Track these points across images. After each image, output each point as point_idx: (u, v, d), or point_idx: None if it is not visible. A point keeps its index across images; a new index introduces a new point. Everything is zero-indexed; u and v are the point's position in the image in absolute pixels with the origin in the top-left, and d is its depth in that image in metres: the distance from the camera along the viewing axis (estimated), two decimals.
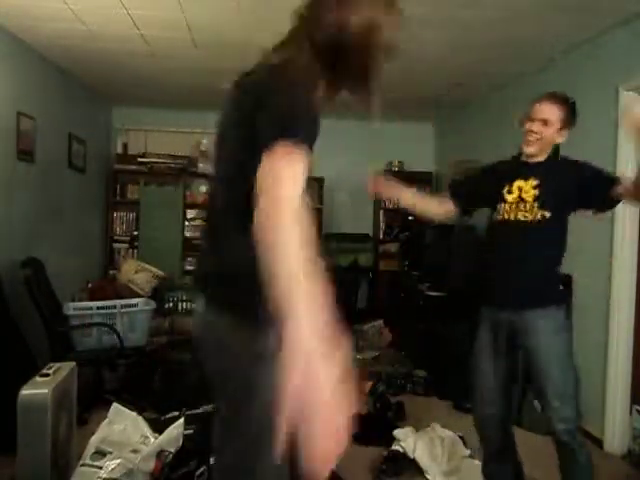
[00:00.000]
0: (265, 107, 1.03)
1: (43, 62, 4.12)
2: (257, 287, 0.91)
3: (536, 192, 2.07)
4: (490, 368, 2.17)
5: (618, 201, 2.05)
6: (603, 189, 2.03)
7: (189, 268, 5.77)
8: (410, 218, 5.12)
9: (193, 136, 5.87)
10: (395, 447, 2.81)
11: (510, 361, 2.20)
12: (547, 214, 2.05)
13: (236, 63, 4.39)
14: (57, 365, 2.33)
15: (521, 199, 2.09)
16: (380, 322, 5.06)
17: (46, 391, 2.09)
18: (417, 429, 2.94)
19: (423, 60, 3.91)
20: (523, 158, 2.19)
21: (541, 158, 2.16)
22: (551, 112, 2.06)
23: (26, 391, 2.09)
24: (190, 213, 5.82)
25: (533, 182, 2.09)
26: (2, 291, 3.19)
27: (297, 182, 0.93)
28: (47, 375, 2.20)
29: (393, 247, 5.84)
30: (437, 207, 2.36)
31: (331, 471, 0.90)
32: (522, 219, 2.07)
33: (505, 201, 2.12)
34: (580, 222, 3.44)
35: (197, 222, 5.82)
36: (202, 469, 2.31)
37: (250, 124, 1.05)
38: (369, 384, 3.91)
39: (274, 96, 1.04)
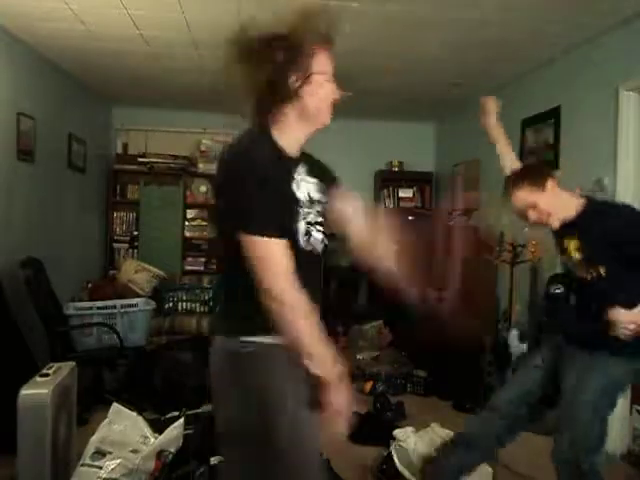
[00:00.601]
0: (221, 197, 1.29)
1: (43, 62, 4.12)
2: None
3: (580, 254, 1.97)
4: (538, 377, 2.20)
5: None
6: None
7: (189, 268, 5.78)
8: (410, 218, 5.12)
9: (193, 136, 5.86)
10: (395, 447, 2.81)
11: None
12: (601, 270, 1.93)
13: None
14: (57, 365, 2.33)
15: (573, 258, 2.02)
16: (380, 322, 5.06)
17: (46, 391, 2.09)
18: (417, 429, 2.93)
19: (423, 60, 3.91)
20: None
21: (571, 212, 2.00)
22: (526, 196, 2.00)
23: (26, 391, 2.09)
24: (190, 213, 5.82)
25: (576, 243, 1.99)
26: (2, 291, 3.19)
27: (275, 266, 1.19)
28: (47, 375, 2.20)
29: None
30: (511, 161, 2.39)
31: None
32: (582, 276, 2.01)
33: (565, 254, 2.07)
34: None
35: (197, 222, 5.82)
36: (202, 469, 2.31)
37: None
38: (369, 384, 3.92)
39: (225, 187, 1.27)
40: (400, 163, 5.95)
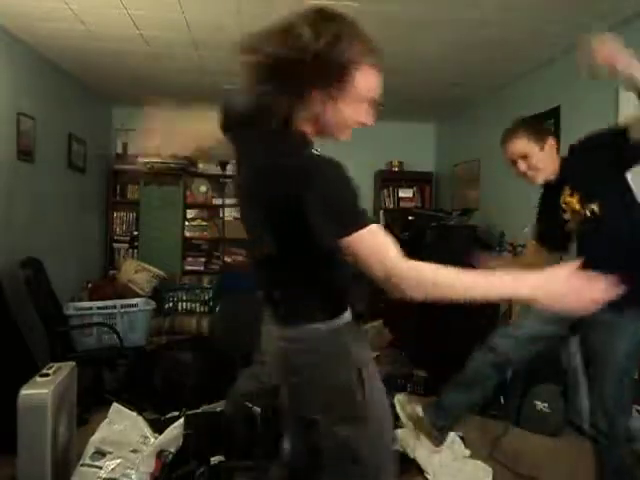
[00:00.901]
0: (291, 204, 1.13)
1: (43, 62, 4.11)
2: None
3: (576, 197, 1.99)
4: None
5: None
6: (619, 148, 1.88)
7: (189, 268, 5.78)
8: (410, 218, 5.12)
9: None
10: (395, 447, 2.81)
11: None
12: (594, 207, 1.94)
13: (236, 63, 4.37)
14: (57, 365, 2.33)
15: (574, 210, 2.03)
16: (380, 322, 5.06)
17: (46, 391, 2.09)
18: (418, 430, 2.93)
19: (423, 60, 3.91)
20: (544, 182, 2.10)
21: (554, 172, 2.06)
22: (522, 145, 2.02)
23: (26, 391, 2.09)
24: (190, 213, 5.82)
25: (567, 190, 2.02)
26: (2, 291, 3.19)
27: (390, 250, 1.12)
28: (47, 375, 2.20)
29: None
30: None
31: None
32: (582, 219, 2.00)
33: (567, 213, 2.07)
34: None
35: (197, 222, 5.82)
36: (202, 469, 2.31)
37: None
38: None
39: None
40: (400, 163, 5.95)
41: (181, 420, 2.56)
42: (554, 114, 3.74)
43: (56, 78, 4.39)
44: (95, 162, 5.32)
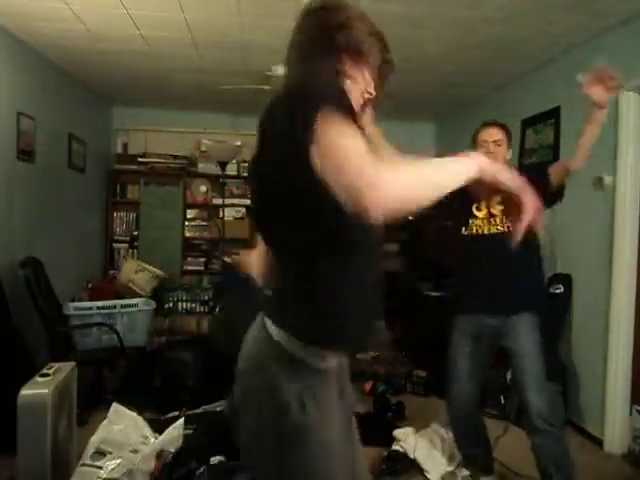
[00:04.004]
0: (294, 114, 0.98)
1: (43, 62, 4.11)
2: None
3: (502, 206, 2.20)
4: (468, 368, 2.44)
5: (558, 189, 2.27)
6: (542, 180, 2.17)
7: (189, 268, 5.78)
8: (410, 218, 5.11)
9: (193, 136, 5.87)
10: (395, 447, 2.81)
11: (485, 362, 2.49)
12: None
13: (236, 63, 4.39)
14: (57, 365, 2.33)
15: (491, 215, 2.31)
16: (380, 322, 5.06)
17: (46, 391, 2.09)
18: (417, 429, 2.94)
19: (423, 60, 3.91)
20: None
21: None
22: (500, 134, 2.40)
23: (26, 391, 2.09)
24: (190, 213, 5.83)
25: (497, 199, 2.21)
26: (2, 291, 3.19)
27: (353, 139, 0.92)
28: (47, 375, 2.20)
29: (393, 247, 5.84)
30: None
31: None
32: (495, 232, 2.29)
33: (476, 217, 2.35)
34: (580, 222, 3.45)
35: (197, 222, 5.82)
36: (202, 469, 2.31)
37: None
38: (369, 384, 3.92)
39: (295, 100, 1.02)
40: None
41: (181, 420, 2.56)
42: (554, 114, 3.74)
43: (56, 78, 4.39)
44: (95, 162, 5.32)
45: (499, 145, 2.36)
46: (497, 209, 2.29)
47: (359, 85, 1.22)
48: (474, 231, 2.36)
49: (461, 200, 2.32)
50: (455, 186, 1.01)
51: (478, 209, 2.35)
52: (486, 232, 2.32)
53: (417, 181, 0.95)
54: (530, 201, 1.04)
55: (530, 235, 2.06)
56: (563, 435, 2.30)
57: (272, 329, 1.10)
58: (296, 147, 0.95)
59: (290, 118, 0.98)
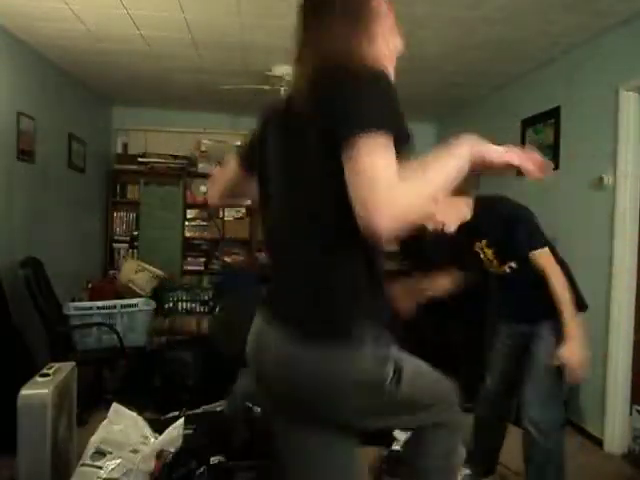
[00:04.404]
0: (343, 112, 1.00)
1: (43, 62, 4.11)
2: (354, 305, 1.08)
3: (491, 250, 2.25)
4: (501, 368, 2.48)
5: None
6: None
7: (189, 268, 5.78)
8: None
9: (193, 136, 5.87)
10: (395, 447, 2.81)
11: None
12: (512, 264, 2.24)
13: (236, 63, 4.39)
14: (57, 365, 2.33)
15: (488, 259, 2.29)
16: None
17: (46, 391, 2.09)
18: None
19: (423, 60, 3.91)
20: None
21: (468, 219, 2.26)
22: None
23: (26, 391, 2.09)
24: (190, 213, 5.82)
25: (483, 241, 2.25)
26: (2, 291, 3.19)
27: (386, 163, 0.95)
28: (47, 375, 2.20)
29: (393, 247, 5.84)
30: None
31: None
32: (498, 271, 2.30)
33: (482, 260, 2.32)
34: (580, 222, 3.45)
35: (197, 222, 5.82)
36: (202, 469, 2.31)
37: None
38: None
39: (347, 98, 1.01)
40: None
41: (181, 420, 2.56)
42: (554, 114, 3.74)
43: (56, 78, 4.39)
44: (95, 162, 5.32)
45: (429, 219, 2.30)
46: (489, 253, 2.27)
47: (390, 43, 1.29)
48: (491, 270, 2.35)
49: (461, 248, 2.36)
50: (456, 178, 1.03)
51: (476, 253, 2.31)
52: (496, 271, 2.32)
53: (426, 189, 0.98)
54: (524, 160, 1.14)
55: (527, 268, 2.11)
56: (556, 444, 2.23)
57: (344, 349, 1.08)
58: (334, 156, 0.98)
59: (334, 124, 0.99)
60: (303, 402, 1.13)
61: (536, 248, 2.13)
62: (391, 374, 1.12)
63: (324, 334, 1.08)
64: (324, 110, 1.01)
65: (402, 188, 0.93)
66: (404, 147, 1.04)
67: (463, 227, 2.24)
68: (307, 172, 1.09)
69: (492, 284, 2.49)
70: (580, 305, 2.27)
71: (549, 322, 2.23)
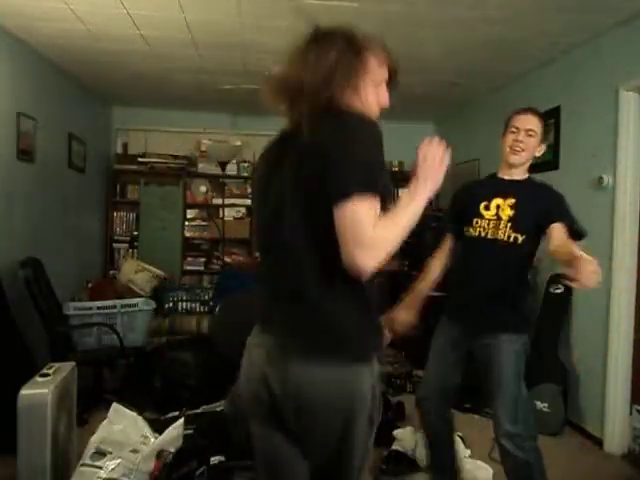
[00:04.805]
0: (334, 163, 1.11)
1: (43, 62, 4.11)
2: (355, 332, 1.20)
3: (512, 213, 2.11)
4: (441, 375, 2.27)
5: None
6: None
7: (189, 268, 5.78)
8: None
9: (193, 136, 5.87)
10: (395, 447, 2.81)
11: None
12: (519, 237, 2.10)
13: (236, 63, 4.40)
14: (57, 365, 2.33)
15: (498, 217, 2.14)
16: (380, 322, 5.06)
17: (46, 391, 2.09)
18: (417, 429, 2.93)
19: (423, 60, 3.91)
20: (502, 175, 2.23)
21: (521, 176, 2.20)
22: (535, 123, 2.14)
23: (26, 391, 2.09)
24: (190, 213, 5.83)
25: (511, 200, 2.13)
26: (2, 291, 3.19)
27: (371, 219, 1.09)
28: (47, 375, 2.20)
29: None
30: (440, 266, 2.35)
31: None
32: (497, 237, 2.12)
33: (482, 217, 2.16)
34: (580, 222, 3.44)
35: (197, 222, 5.82)
36: (202, 469, 2.31)
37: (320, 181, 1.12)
38: None
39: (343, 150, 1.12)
40: (400, 163, 5.95)
41: (181, 420, 2.56)
42: (554, 114, 3.74)
43: (56, 78, 4.39)
44: (95, 162, 5.32)
45: (531, 135, 2.12)
46: (506, 213, 2.11)
47: (378, 96, 1.33)
48: (477, 233, 2.15)
49: (470, 196, 2.27)
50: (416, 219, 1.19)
51: (487, 208, 2.16)
52: (489, 236, 2.13)
53: (397, 233, 1.13)
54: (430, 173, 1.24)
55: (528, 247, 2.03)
56: (534, 456, 2.12)
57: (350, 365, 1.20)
58: (326, 199, 1.11)
59: (331, 171, 1.11)
60: (311, 414, 1.21)
61: (569, 223, 2.07)
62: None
63: (335, 356, 1.19)
64: (318, 158, 1.13)
65: (380, 234, 1.09)
66: (387, 198, 1.17)
67: (496, 180, 2.21)
68: (303, 213, 1.18)
69: (460, 273, 2.27)
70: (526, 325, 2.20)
71: (510, 335, 2.10)
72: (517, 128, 2.13)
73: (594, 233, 3.29)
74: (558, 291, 3.54)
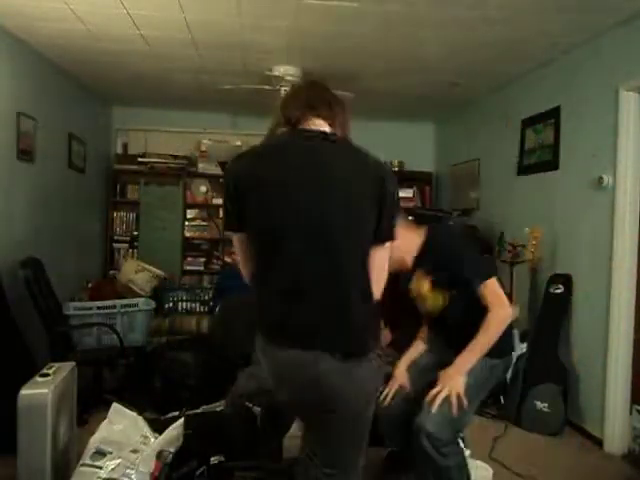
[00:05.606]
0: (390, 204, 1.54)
1: (43, 62, 4.11)
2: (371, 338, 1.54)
3: (428, 281, 2.17)
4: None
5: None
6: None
7: (189, 268, 5.78)
8: (410, 218, 5.11)
9: (193, 136, 5.87)
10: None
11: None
12: (453, 292, 2.15)
13: (236, 63, 4.40)
14: (57, 365, 2.33)
15: (422, 293, 2.22)
16: (380, 322, 5.06)
17: (46, 391, 2.09)
18: None
19: (423, 60, 3.91)
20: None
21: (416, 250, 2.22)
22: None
23: (26, 391, 2.09)
24: (190, 213, 5.83)
25: (422, 274, 2.19)
26: (2, 291, 3.19)
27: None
28: (47, 375, 2.20)
29: None
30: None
31: None
32: (438, 310, 2.22)
33: (418, 300, 2.27)
34: (580, 222, 3.45)
35: (197, 222, 5.82)
36: (202, 469, 2.31)
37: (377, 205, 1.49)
38: None
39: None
40: (400, 163, 5.95)
41: (181, 420, 2.56)
42: (554, 114, 3.74)
43: (56, 78, 4.39)
44: (95, 162, 5.32)
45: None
46: (426, 286, 2.18)
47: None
48: (428, 313, 2.28)
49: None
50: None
51: (412, 291, 2.26)
52: (435, 310, 2.22)
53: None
54: None
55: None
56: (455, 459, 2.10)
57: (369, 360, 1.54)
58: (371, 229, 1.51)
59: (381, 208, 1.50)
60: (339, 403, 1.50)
61: (486, 278, 2.07)
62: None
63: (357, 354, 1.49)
64: (376, 189, 1.50)
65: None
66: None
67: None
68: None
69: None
70: (500, 351, 2.16)
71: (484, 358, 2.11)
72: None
73: (594, 233, 3.30)
74: (558, 291, 3.54)
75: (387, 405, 2.29)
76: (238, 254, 1.61)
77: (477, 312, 2.08)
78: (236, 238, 1.58)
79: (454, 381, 2.04)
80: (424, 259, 2.17)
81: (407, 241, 2.14)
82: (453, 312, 2.17)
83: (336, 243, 1.44)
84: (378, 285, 1.53)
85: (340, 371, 1.45)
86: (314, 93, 1.60)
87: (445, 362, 2.15)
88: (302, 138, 1.53)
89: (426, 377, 2.25)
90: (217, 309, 4.39)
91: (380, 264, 1.53)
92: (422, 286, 2.18)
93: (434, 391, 2.04)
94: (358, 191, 1.46)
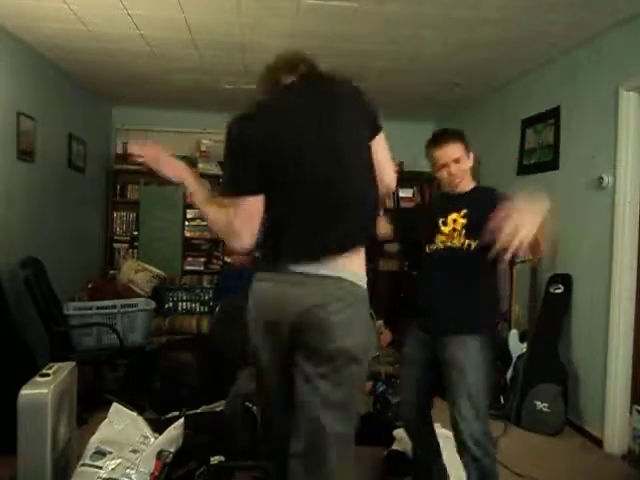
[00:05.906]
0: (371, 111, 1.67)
1: (43, 62, 4.11)
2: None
3: (464, 221, 2.15)
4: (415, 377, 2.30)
5: None
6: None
7: (189, 268, 5.78)
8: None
9: (193, 136, 5.87)
10: (395, 447, 2.81)
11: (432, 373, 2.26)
12: (472, 243, 2.12)
13: (236, 63, 4.40)
14: (57, 365, 2.33)
15: (454, 229, 2.18)
16: (380, 322, 5.06)
17: (46, 391, 2.09)
18: None
19: (423, 60, 3.91)
20: (451, 192, 2.25)
21: (467, 187, 2.24)
22: (456, 149, 2.17)
23: (26, 391, 2.09)
24: (190, 213, 5.82)
25: (463, 211, 2.17)
26: (2, 291, 3.19)
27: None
28: (47, 375, 2.20)
29: (393, 247, 5.84)
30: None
31: None
32: (451, 245, 2.17)
33: (441, 233, 2.21)
34: (580, 222, 3.45)
35: (197, 222, 5.82)
36: (202, 469, 2.31)
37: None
38: (369, 384, 3.91)
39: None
40: (400, 163, 5.95)
41: (181, 420, 2.56)
42: (554, 114, 3.74)
43: (56, 78, 4.39)
44: (95, 162, 5.32)
45: (459, 162, 2.16)
46: (460, 223, 2.17)
47: None
48: (435, 247, 2.22)
49: (429, 214, 2.29)
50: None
51: (444, 223, 2.22)
52: (449, 245, 2.19)
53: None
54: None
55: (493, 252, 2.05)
56: (492, 460, 2.07)
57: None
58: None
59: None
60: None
61: None
62: None
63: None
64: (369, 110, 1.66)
65: None
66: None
67: (447, 197, 2.25)
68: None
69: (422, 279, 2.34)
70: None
71: (475, 336, 2.10)
72: (445, 163, 2.16)
73: (594, 233, 3.30)
74: (558, 291, 3.54)
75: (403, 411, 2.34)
76: (245, 218, 1.51)
77: (476, 276, 2.12)
78: (250, 201, 1.51)
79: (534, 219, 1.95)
80: (472, 199, 2.19)
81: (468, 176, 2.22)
82: (462, 261, 2.15)
83: (349, 167, 1.58)
84: (389, 165, 1.74)
85: None
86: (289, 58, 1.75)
87: (437, 356, 2.18)
88: (305, 83, 1.64)
89: (429, 375, 2.27)
90: (217, 309, 4.39)
91: (382, 145, 1.70)
92: (458, 222, 2.17)
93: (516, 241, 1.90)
94: (356, 119, 1.62)
